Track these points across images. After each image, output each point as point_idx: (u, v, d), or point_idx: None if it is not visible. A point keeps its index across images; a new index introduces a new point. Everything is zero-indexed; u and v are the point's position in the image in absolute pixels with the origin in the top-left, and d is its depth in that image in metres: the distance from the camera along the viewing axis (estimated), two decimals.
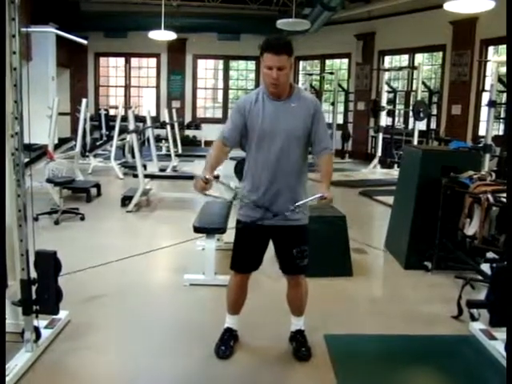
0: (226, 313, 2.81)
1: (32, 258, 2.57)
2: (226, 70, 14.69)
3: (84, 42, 9.43)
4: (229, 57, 14.33)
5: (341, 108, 12.61)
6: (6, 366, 2.31)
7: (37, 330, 2.60)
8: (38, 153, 6.19)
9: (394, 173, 8.90)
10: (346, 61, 13.04)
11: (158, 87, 14.22)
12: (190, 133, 13.89)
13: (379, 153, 10.38)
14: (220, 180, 3.02)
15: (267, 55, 2.36)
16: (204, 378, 2.54)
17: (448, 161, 4.22)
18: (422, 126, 9.70)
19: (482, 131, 9.03)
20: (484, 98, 9.21)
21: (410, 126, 10.67)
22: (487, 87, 8.70)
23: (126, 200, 6.24)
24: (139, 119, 9.62)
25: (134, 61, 14.42)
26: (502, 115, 8.83)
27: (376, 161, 10.29)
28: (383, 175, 9.69)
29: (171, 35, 10.28)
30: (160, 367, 2.58)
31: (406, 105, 11.39)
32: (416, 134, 9.49)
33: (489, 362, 2.74)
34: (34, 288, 2.57)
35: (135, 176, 6.46)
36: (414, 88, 10.40)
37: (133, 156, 7.95)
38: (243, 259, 2.65)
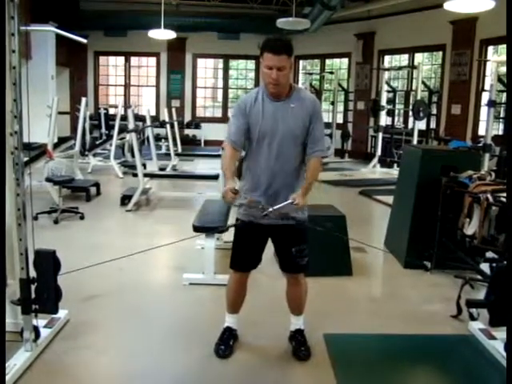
0: (225, 312, 2.81)
1: (31, 257, 2.56)
2: (226, 69, 14.67)
3: (84, 40, 9.40)
4: (228, 56, 14.31)
5: (341, 107, 12.59)
6: (6, 365, 2.30)
7: (36, 329, 2.60)
8: (37, 152, 6.16)
9: (394, 172, 8.91)
10: (345, 60, 13.02)
11: (157, 86, 14.20)
12: (189, 132, 13.88)
13: (379, 152, 10.37)
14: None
15: (267, 55, 2.35)
16: (203, 377, 2.54)
17: (448, 160, 4.22)
18: (421, 125, 9.68)
19: (481, 131, 9.02)
20: (484, 97, 9.18)
21: (410, 126, 10.65)
22: (487, 87, 8.67)
23: (125, 199, 6.24)
24: (139, 118, 9.61)
25: (134, 60, 14.40)
26: (502, 115, 8.84)
27: (376, 160, 10.28)
28: (383, 175, 9.68)
29: (171, 34, 10.28)
30: (160, 366, 2.58)
31: (405, 104, 11.37)
32: (416, 133, 9.47)
33: (488, 362, 2.74)
34: (33, 287, 2.56)
35: (135, 175, 6.46)
36: (414, 87, 10.38)
37: (132, 155, 7.94)
38: (242, 258, 2.66)
